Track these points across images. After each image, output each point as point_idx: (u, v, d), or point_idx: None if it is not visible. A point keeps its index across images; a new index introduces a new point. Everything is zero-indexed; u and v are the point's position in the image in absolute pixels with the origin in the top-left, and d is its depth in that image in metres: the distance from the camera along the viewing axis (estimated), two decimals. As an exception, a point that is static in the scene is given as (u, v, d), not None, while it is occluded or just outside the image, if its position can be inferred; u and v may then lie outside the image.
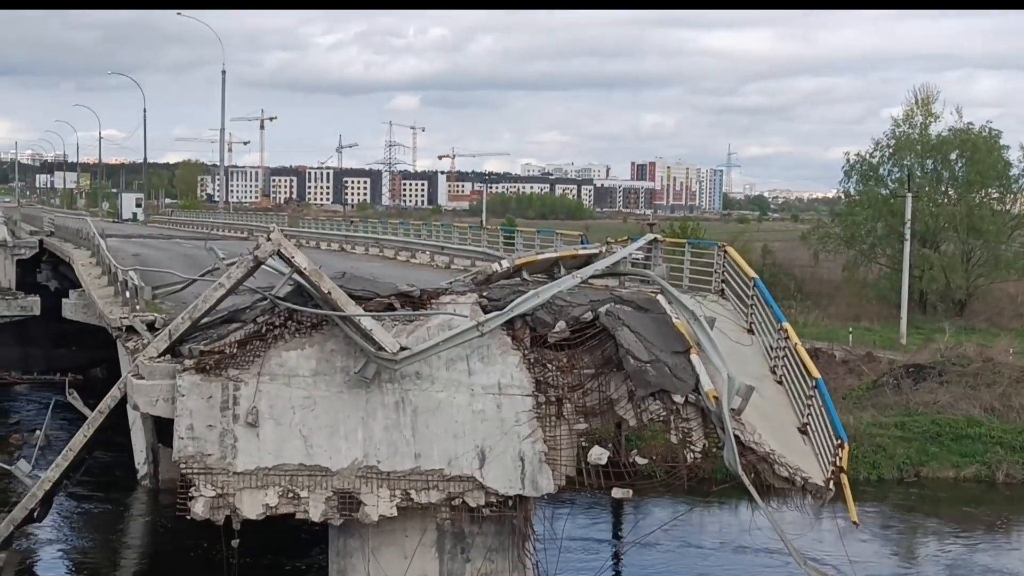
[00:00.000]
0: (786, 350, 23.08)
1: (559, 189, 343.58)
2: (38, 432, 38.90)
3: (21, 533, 26.29)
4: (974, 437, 39.29)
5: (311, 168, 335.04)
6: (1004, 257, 69.62)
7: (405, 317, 21.99)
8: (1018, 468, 37.85)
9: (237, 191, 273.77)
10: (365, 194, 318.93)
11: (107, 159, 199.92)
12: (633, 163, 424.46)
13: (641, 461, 22.77)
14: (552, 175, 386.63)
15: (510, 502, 22.37)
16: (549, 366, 22.28)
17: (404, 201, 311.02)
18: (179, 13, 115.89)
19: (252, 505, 21.29)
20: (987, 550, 30.98)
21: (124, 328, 26.57)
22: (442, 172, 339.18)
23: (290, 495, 21.44)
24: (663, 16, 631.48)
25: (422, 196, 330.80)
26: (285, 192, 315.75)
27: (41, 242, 49.87)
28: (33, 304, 45.39)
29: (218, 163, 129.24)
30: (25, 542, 27.72)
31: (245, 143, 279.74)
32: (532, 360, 22.30)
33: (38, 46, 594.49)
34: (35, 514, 25.30)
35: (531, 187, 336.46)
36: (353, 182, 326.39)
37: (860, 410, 41.21)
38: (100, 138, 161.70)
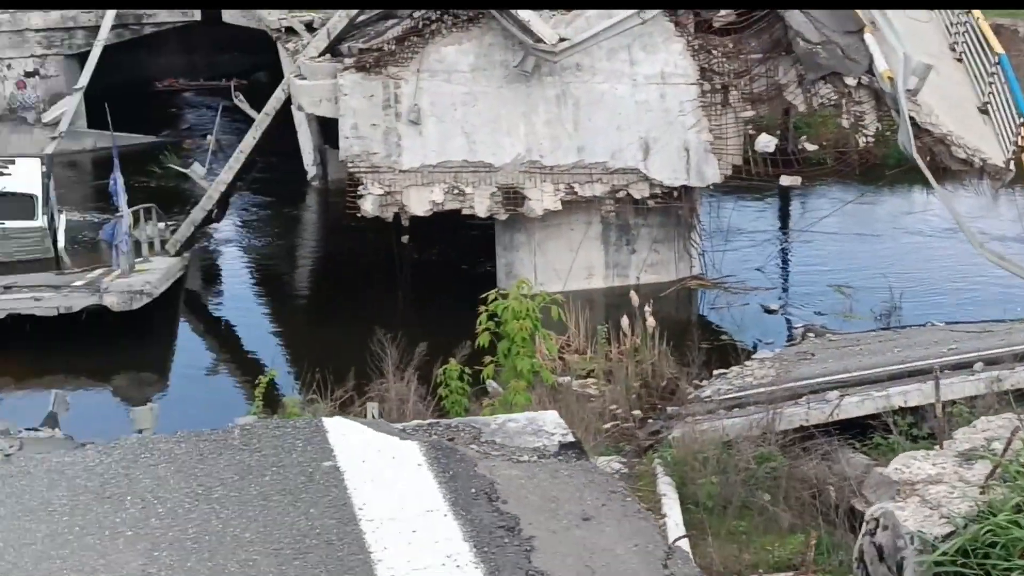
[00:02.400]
0: (967, 25, 21.81)
1: None
2: (209, 136, 40.02)
3: (201, 233, 27.47)
4: None
5: None
6: None
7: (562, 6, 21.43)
8: None
9: None
10: None
11: None
12: None
13: (810, 148, 22.33)
14: None
15: (675, 193, 22.31)
16: (714, 52, 21.63)
17: None
18: None
19: (419, 202, 21.73)
20: None
21: (283, 29, 26.65)
22: None
23: (455, 191, 21.77)
24: None
25: None
26: None
27: (197, -54, 49.83)
28: (193, 9, 45.70)
29: None
30: (206, 242, 28.98)
31: None
32: (696, 46, 21.65)
33: None
34: (213, 215, 26.37)
35: None
36: None
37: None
38: None
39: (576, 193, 22.10)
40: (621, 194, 22.29)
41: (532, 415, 6.78)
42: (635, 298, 18.98)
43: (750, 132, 22.45)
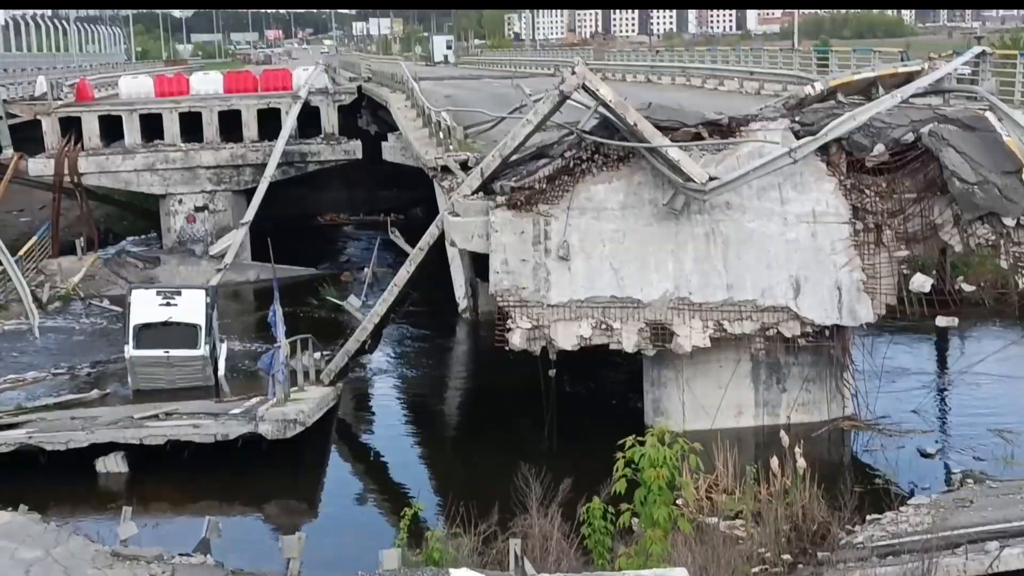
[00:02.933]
0: None
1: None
2: (366, 269, 41.23)
3: (355, 364, 28.04)
4: None
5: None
6: None
7: (714, 146, 21.59)
8: None
9: (542, 28, 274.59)
10: (671, 24, 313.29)
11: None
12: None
13: (968, 288, 21.80)
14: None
15: (827, 332, 21.98)
16: (867, 191, 21.46)
17: (711, 28, 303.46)
18: None
19: (567, 336, 21.84)
20: None
21: (439, 168, 27.37)
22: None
23: (603, 326, 21.84)
24: None
25: (730, 22, 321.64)
26: (590, 27, 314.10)
27: (359, 88, 51.76)
28: (355, 148, 47.38)
29: None
30: (359, 373, 29.55)
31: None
32: (848, 186, 21.52)
33: None
34: (366, 346, 26.96)
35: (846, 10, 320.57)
36: (658, 13, 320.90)
37: None
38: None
39: (725, 330, 21.95)
40: (771, 332, 22.05)
41: (660, 572, 6.67)
42: (785, 438, 18.64)
43: (905, 271, 22.05)
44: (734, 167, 21.25)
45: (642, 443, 13.17)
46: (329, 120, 48.20)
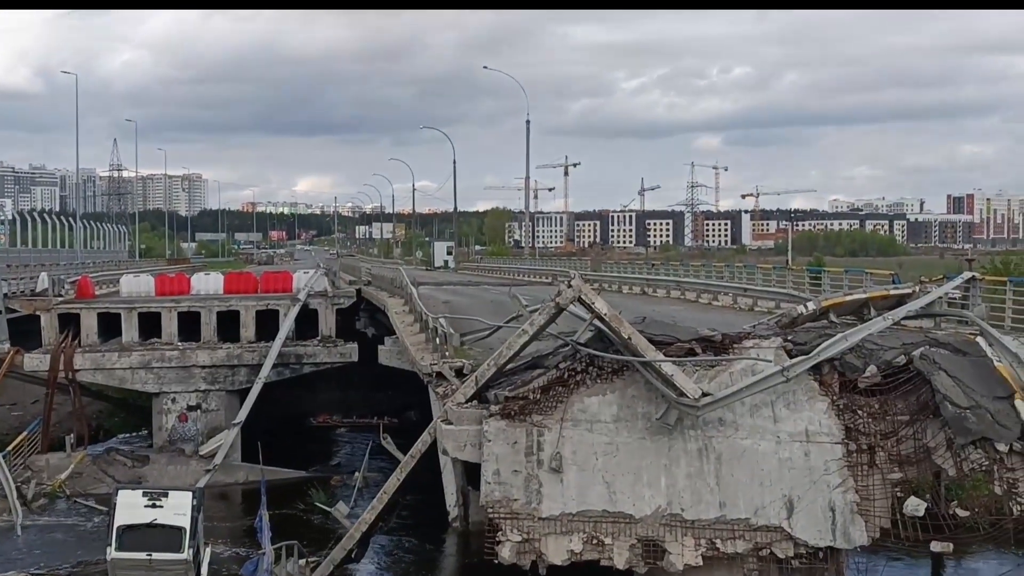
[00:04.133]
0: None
1: (869, 225, 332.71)
2: (356, 474, 40.81)
3: (340, 573, 27.48)
4: None
5: (614, 211, 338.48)
6: None
7: (707, 362, 21.70)
8: None
9: (542, 236, 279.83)
10: (668, 235, 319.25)
11: (420, 209, 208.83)
12: (949, 196, 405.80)
13: (962, 513, 21.52)
14: (862, 211, 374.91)
15: (820, 554, 21.61)
16: (860, 412, 21.46)
17: (707, 241, 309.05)
18: (486, 67, 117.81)
19: (557, 551, 21.47)
20: None
21: (434, 374, 27.46)
22: (746, 211, 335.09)
23: (594, 541, 21.49)
24: (982, 41, 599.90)
25: (725, 236, 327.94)
26: (588, 236, 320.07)
27: (359, 291, 52.44)
28: (352, 351, 47.70)
29: (524, 210, 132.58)
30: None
31: (550, 189, 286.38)
32: (841, 406, 21.53)
33: (360, 105, 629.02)
34: (353, 554, 26.46)
35: (839, 224, 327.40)
36: (655, 224, 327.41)
37: None
38: (414, 190, 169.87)
39: (718, 549, 21.59)
40: (764, 552, 21.69)
41: None
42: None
43: (899, 494, 21.86)
44: (727, 383, 21.31)
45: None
46: (327, 323, 48.64)
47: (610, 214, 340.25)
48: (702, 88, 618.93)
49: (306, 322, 48.31)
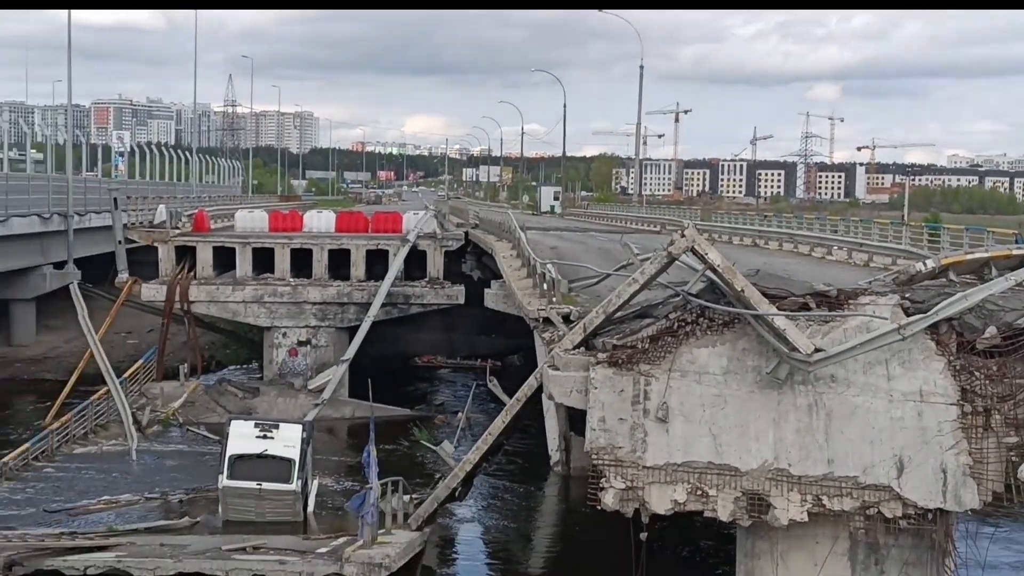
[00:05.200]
0: None
1: (989, 182, 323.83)
2: (460, 415, 41.28)
3: (444, 511, 27.92)
4: None
5: (724, 160, 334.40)
6: None
7: (820, 317, 21.42)
8: None
9: (650, 184, 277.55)
10: (778, 186, 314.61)
11: (528, 153, 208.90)
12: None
13: (1080, 483, 21.05)
14: (982, 167, 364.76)
15: (929, 515, 21.35)
16: (977, 374, 21.02)
17: (819, 194, 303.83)
18: (601, 11, 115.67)
19: (661, 500, 21.52)
20: None
21: (541, 319, 27.56)
22: (860, 164, 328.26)
23: (698, 492, 21.48)
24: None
25: (838, 189, 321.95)
26: (697, 185, 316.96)
27: (466, 234, 52.70)
28: (458, 293, 48.11)
29: (633, 156, 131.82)
30: (447, 519, 29.39)
31: (659, 136, 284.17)
32: (958, 367, 21.11)
33: (470, 46, 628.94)
34: (456, 493, 26.83)
35: (957, 180, 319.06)
36: (766, 174, 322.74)
37: None
38: (522, 133, 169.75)
39: (824, 506, 21.45)
40: (872, 511, 21.49)
41: None
42: (882, 624, 18.01)
43: (1013, 459, 21.44)
44: (841, 340, 21.03)
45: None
46: (435, 264, 49.05)
47: (720, 163, 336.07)
48: (820, 36, 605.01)
49: (414, 263, 48.82)
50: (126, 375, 43.27)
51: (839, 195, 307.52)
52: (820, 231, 46.21)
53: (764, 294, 21.17)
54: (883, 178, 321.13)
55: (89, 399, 40.18)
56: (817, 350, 20.56)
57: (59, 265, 55.17)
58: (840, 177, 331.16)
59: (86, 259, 57.72)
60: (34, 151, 68.86)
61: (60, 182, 57.18)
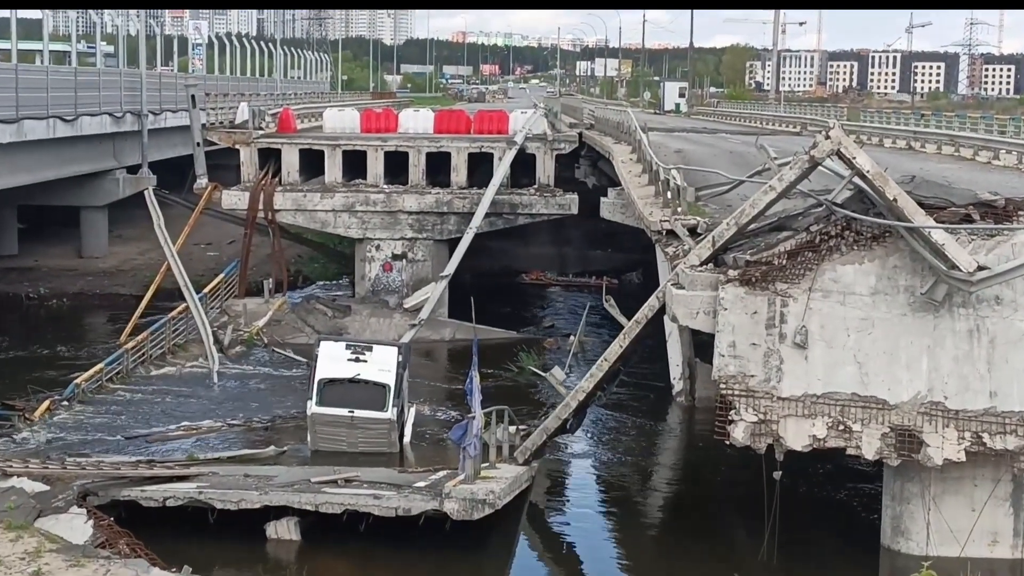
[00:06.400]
0: None
1: None
2: (572, 338, 41.46)
3: (553, 444, 28.17)
4: None
5: (875, 52, 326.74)
6: None
7: (986, 231, 21.00)
8: None
9: (789, 79, 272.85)
10: (938, 81, 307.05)
11: (650, 44, 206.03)
12: None
13: None
14: None
15: (1107, 457, 20.99)
16: None
17: (985, 89, 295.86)
18: None
19: (797, 435, 21.47)
20: None
21: (664, 232, 27.44)
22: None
23: (840, 427, 21.38)
24: None
25: (1007, 83, 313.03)
26: (844, 79, 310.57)
27: (580, 136, 52.28)
28: (571, 202, 47.77)
29: (770, 47, 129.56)
30: (556, 453, 29.66)
31: (801, 24, 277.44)
32: None
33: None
34: (568, 425, 27.02)
35: None
36: (924, 67, 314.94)
37: None
38: (644, 21, 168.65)
39: (984, 444, 21.20)
40: (1039, 451, 21.21)
41: None
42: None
43: None
44: (1008, 257, 20.60)
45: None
46: (545, 170, 48.82)
47: (870, 54, 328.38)
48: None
49: (521, 168, 48.62)
50: (206, 290, 44.17)
51: (1009, 91, 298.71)
52: (986, 132, 45.09)
53: (920, 204, 20.81)
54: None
55: (166, 316, 41.11)
56: (980, 268, 20.19)
57: (133, 169, 56.17)
58: (1010, 70, 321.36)
59: (162, 163, 58.72)
60: (104, 43, 69.82)
61: (133, 78, 58.02)
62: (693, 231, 26.04)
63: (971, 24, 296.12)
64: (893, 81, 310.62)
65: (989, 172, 35.83)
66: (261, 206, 46.32)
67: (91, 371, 35.15)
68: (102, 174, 54.78)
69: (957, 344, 21.22)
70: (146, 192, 47.80)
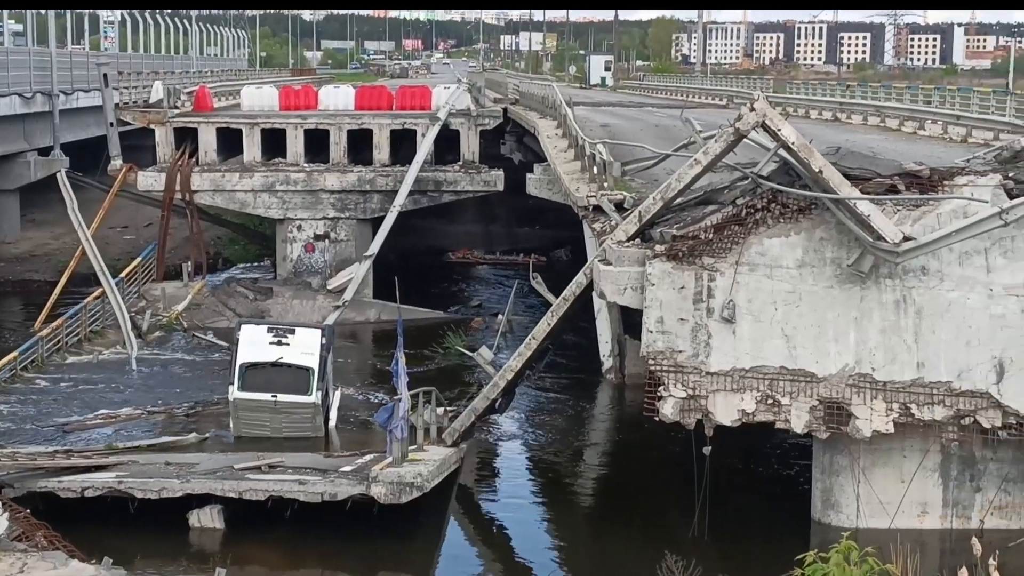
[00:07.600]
0: None
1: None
2: (500, 317, 41.38)
3: (482, 424, 28.22)
4: None
5: (801, 22, 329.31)
6: None
7: (911, 201, 21.28)
8: None
9: (716, 51, 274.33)
10: (864, 52, 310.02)
11: (575, 17, 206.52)
12: None
13: None
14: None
15: (1033, 425, 21.39)
16: (1091, 264, 20.86)
17: (911, 60, 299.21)
18: None
19: (726, 410, 21.68)
20: None
21: (591, 208, 27.51)
22: (959, 24, 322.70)
23: (769, 401, 21.62)
24: None
25: (933, 53, 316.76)
26: (770, 51, 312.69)
27: (505, 111, 52.19)
28: (496, 179, 47.70)
29: (696, 20, 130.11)
30: (485, 434, 29.71)
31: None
32: (1070, 257, 20.96)
33: None
34: (496, 404, 27.09)
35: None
36: (850, 38, 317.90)
37: None
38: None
39: (913, 415, 21.52)
40: (967, 421, 21.55)
41: None
42: (977, 546, 18.06)
43: None
44: (934, 227, 20.90)
45: (824, 560, 12.92)
46: (469, 146, 48.70)
47: (796, 25, 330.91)
48: None
49: (446, 145, 48.50)
50: (123, 275, 43.73)
51: (934, 60, 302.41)
52: (911, 103, 45.63)
53: (846, 175, 21.04)
54: (985, 40, 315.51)
55: (83, 302, 40.62)
56: (906, 238, 20.46)
57: (44, 151, 55.44)
58: (935, 40, 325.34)
59: (75, 144, 57.98)
60: (12, 21, 68.77)
61: (43, 56, 57.18)
62: (620, 206, 26.11)
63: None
64: (820, 52, 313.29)
65: (915, 143, 36.26)
66: (178, 187, 45.85)
67: (4, 359, 34.64)
68: (12, 157, 54.01)
69: (884, 316, 21.50)
70: (58, 175, 47.02)
